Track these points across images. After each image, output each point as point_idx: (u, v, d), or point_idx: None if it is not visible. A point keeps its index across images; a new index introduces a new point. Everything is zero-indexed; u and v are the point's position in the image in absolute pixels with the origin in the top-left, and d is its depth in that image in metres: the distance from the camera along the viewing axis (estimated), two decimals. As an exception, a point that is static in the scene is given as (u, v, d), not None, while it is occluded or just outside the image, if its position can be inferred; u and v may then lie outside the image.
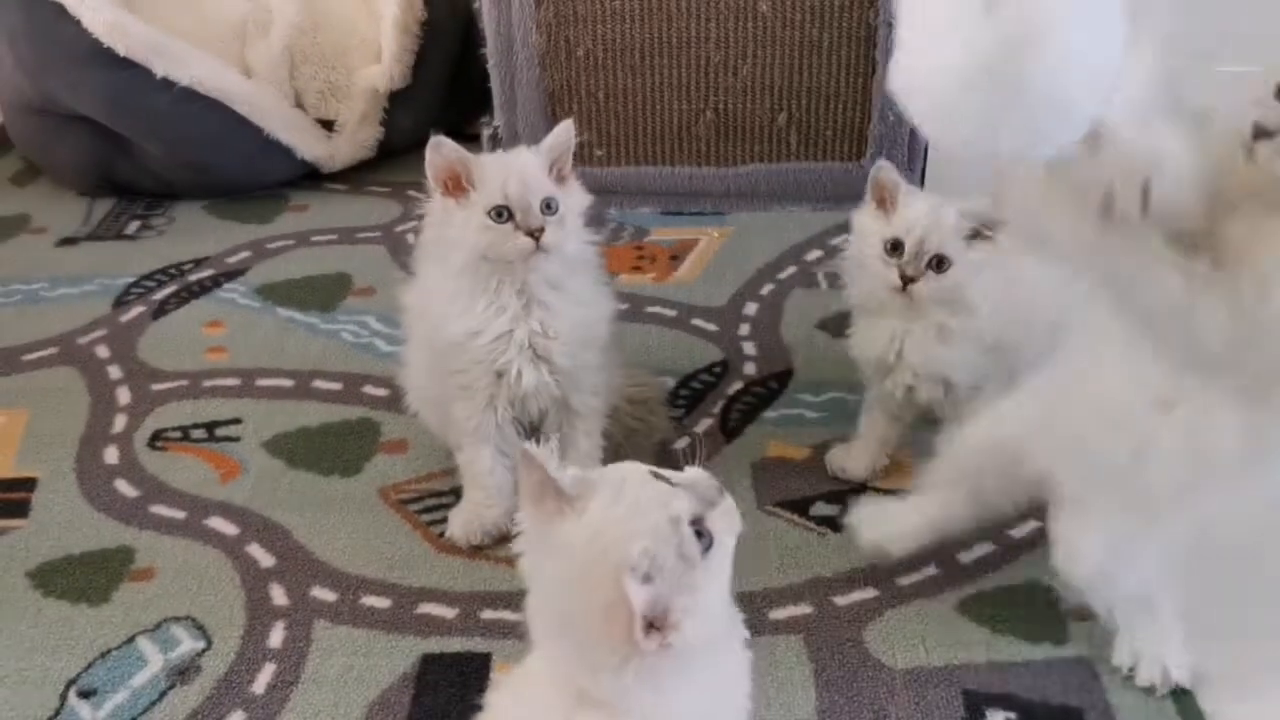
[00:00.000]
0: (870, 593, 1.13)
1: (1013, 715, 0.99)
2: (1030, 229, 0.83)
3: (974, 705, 1.00)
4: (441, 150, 1.09)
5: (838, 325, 1.25)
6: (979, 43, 0.67)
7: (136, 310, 1.68)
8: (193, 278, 1.76)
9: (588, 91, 1.84)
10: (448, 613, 1.13)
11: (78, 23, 1.83)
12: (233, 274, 1.77)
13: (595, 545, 0.65)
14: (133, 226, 1.94)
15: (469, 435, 1.19)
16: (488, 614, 1.12)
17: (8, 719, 1.03)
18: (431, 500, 1.28)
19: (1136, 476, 0.85)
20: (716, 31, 1.78)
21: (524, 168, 1.10)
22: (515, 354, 1.13)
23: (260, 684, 1.05)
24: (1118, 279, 0.78)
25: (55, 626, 1.13)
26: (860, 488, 1.27)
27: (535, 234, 1.08)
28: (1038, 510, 1.07)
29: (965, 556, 1.17)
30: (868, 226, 1.17)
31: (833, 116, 1.82)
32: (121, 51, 1.84)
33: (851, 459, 1.28)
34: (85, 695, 1.05)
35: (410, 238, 1.79)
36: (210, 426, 1.42)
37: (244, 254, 1.83)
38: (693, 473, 0.71)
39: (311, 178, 2.06)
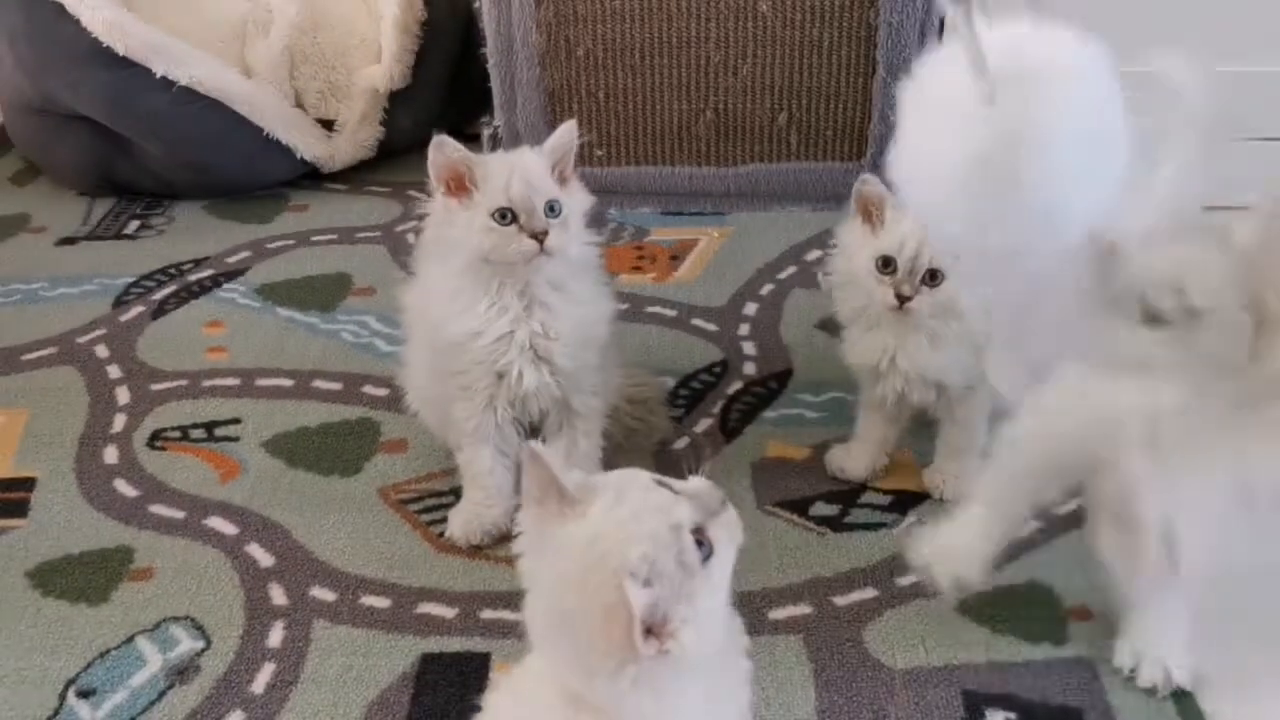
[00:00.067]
0: (870, 593, 1.13)
1: (1012, 715, 0.99)
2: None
3: (974, 705, 1.00)
4: (444, 150, 1.08)
5: (837, 326, 1.24)
6: (976, 138, 0.66)
7: (136, 310, 1.68)
8: (192, 277, 1.76)
9: (588, 91, 1.84)
10: (447, 612, 1.13)
11: (77, 22, 1.83)
12: (233, 274, 1.77)
13: (595, 548, 0.65)
14: (132, 226, 1.94)
15: (469, 435, 1.19)
16: (487, 614, 1.12)
17: (7, 718, 1.03)
18: (431, 500, 1.28)
19: None
20: (716, 31, 1.78)
21: (528, 169, 1.09)
22: (516, 355, 1.13)
23: (259, 684, 1.05)
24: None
25: (54, 626, 1.13)
26: (860, 488, 1.27)
27: (539, 237, 1.08)
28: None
29: (965, 556, 1.17)
30: (855, 243, 1.15)
31: (833, 116, 1.82)
32: (121, 51, 1.84)
33: (851, 459, 1.28)
34: (84, 695, 1.05)
35: (410, 238, 1.79)
36: (210, 426, 1.41)
37: (244, 254, 1.83)
38: (696, 482, 0.71)
39: (311, 178, 2.06)
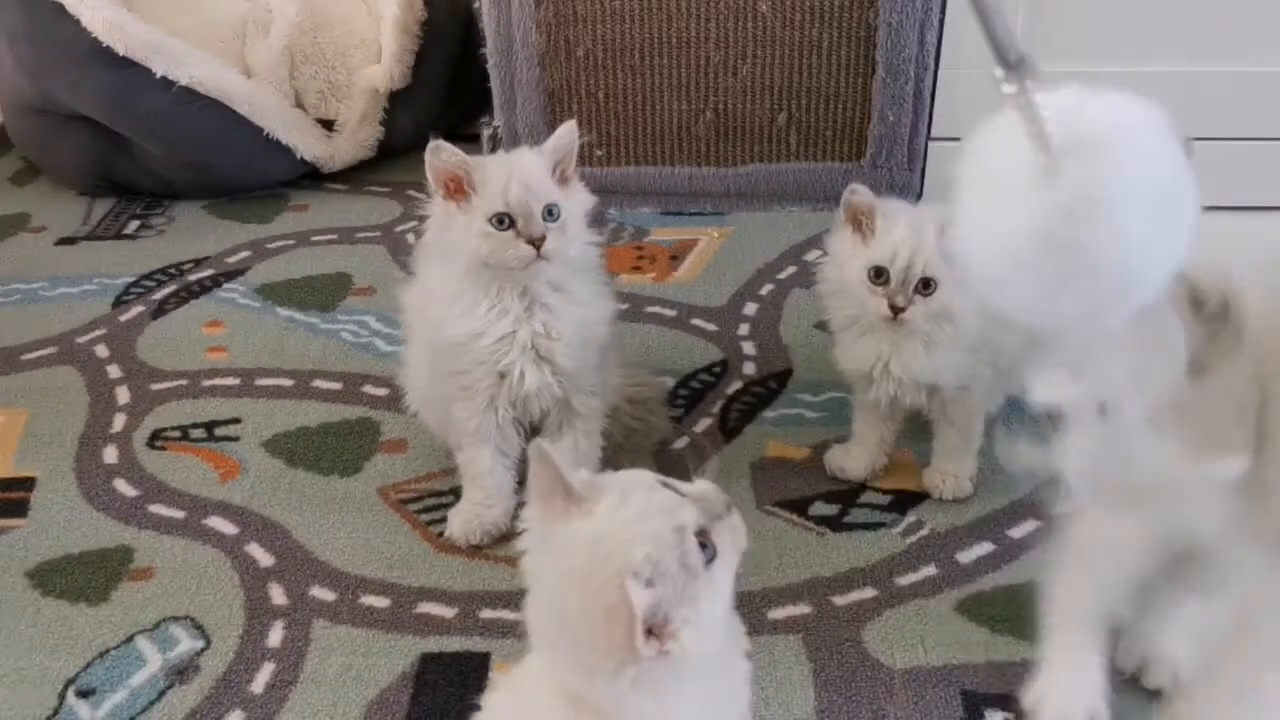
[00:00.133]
0: (869, 592, 1.13)
1: (1011, 716, 0.99)
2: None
3: (973, 705, 1.00)
4: (440, 154, 1.08)
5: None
6: (1041, 209, 0.65)
7: (136, 310, 1.68)
8: (192, 277, 1.76)
9: (587, 91, 1.84)
10: (447, 612, 1.13)
11: (77, 22, 1.83)
12: (233, 274, 1.77)
13: (599, 547, 0.65)
14: (132, 226, 1.94)
15: (469, 435, 1.19)
16: (487, 613, 1.12)
17: (6, 718, 1.03)
18: (431, 500, 1.28)
19: None
20: (716, 31, 1.78)
21: (526, 172, 1.09)
22: (518, 355, 1.13)
23: (259, 683, 1.05)
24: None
25: (54, 626, 1.13)
26: (860, 488, 1.27)
27: (536, 242, 1.08)
28: (1034, 510, 1.07)
29: (964, 556, 1.17)
30: (846, 252, 1.15)
31: (832, 116, 1.82)
32: (121, 51, 1.84)
33: (850, 459, 1.28)
34: (84, 695, 1.05)
35: (410, 238, 1.79)
36: (210, 426, 1.42)
37: (244, 254, 1.83)
38: (702, 484, 0.71)
39: (311, 177, 2.06)
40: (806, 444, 1.34)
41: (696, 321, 1.60)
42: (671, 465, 1.30)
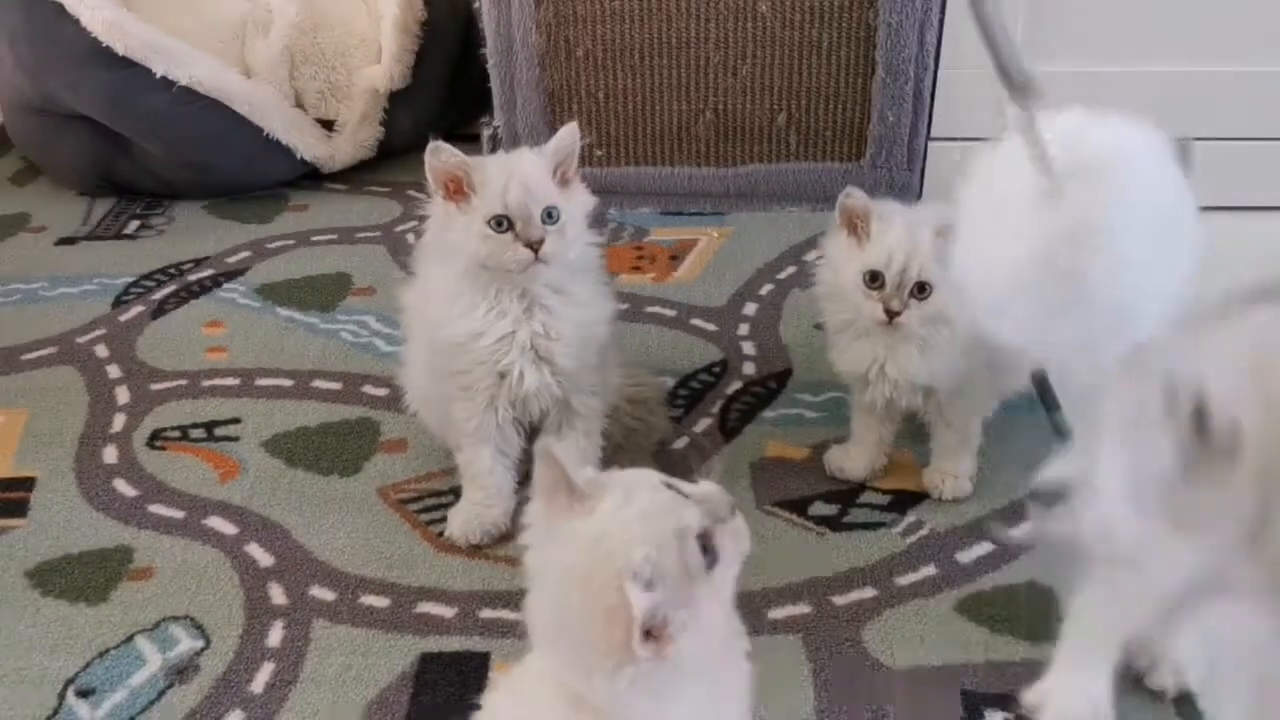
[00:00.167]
0: (869, 592, 1.13)
1: (1011, 716, 0.99)
2: None
3: (973, 705, 1.00)
4: (440, 156, 1.08)
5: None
6: (1041, 234, 0.64)
7: (136, 310, 1.68)
8: (192, 277, 1.76)
9: (587, 92, 1.84)
10: (446, 612, 1.13)
11: (77, 22, 1.83)
12: (232, 274, 1.77)
13: (601, 547, 0.65)
14: (132, 226, 1.94)
15: (469, 435, 1.19)
16: (486, 613, 1.12)
17: (6, 718, 1.03)
18: (431, 500, 1.28)
19: None
20: (716, 32, 1.78)
21: (526, 174, 1.08)
22: (518, 355, 1.13)
23: (259, 683, 1.05)
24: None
25: (53, 626, 1.13)
26: (859, 488, 1.27)
27: (535, 245, 1.07)
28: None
29: (964, 556, 1.17)
30: (841, 255, 1.14)
31: (832, 117, 1.82)
32: (120, 51, 1.84)
33: (850, 460, 1.28)
34: (83, 694, 1.05)
35: (410, 237, 1.79)
36: (209, 426, 1.42)
37: (244, 254, 1.83)
38: (706, 487, 0.71)
39: (311, 178, 2.06)
40: (806, 444, 1.34)
41: (696, 321, 1.60)
42: (672, 465, 1.30)
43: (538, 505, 0.69)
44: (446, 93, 2.14)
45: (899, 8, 1.70)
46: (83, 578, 1.18)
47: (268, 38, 2.04)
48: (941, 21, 1.71)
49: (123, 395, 1.48)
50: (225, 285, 1.73)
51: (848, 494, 1.26)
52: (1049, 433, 1.31)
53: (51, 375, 1.53)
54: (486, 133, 1.91)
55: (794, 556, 1.18)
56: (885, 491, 1.27)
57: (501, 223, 1.07)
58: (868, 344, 1.17)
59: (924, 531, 1.21)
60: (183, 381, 1.50)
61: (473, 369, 1.14)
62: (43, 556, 1.22)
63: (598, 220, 1.18)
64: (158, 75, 1.86)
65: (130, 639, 1.11)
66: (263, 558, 1.21)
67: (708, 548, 0.67)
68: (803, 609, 1.12)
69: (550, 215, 1.09)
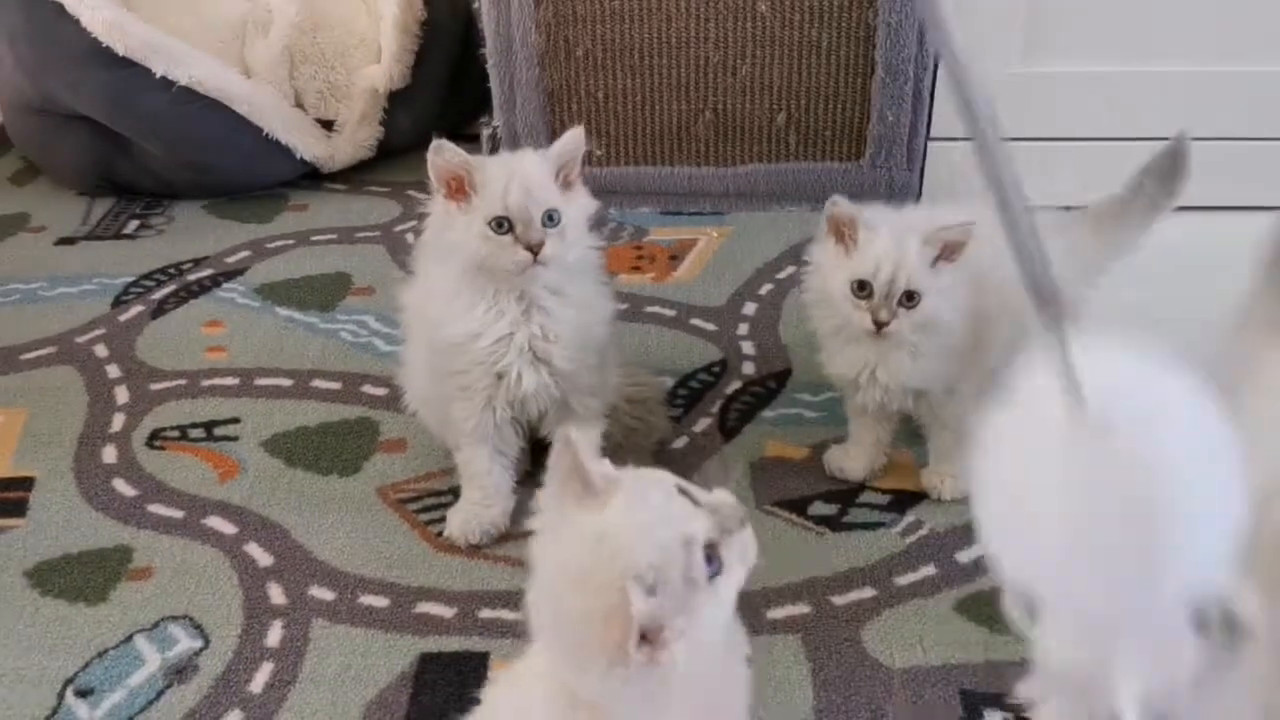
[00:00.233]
0: (868, 592, 1.13)
1: (1010, 715, 0.99)
2: None
3: (972, 705, 1.00)
4: (443, 154, 1.08)
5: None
6: (1078, 490, 0.59)
7: (135, 310, 1.68)
8: (192, 277, 1.76)
9: (587, 91, 1.84)
10: (446, 612, 1.13)
11: (76, 22, 1.83)
12: (232, 273, 1.77)
13: (605, 546, 0.64)
14: (132, 226, 1.94)
15: (467, 435, 1.19)
16: (486, 613, 1.12)
17: (5, 718, 1.03)
18: (430, 499, 1.28)
19: None
20: (715, 31, 1.78)
21: (528, 175, 1.08)
22: (515, 357, 1.13)
23: (258, 683, 1.05)
24: None
25: (52, 625, 1.13)
26: (859, 487, 1.27)
27: (534, 248, 1.07)
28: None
29: (963, 556, 1.17)
30: (829, 264, 1.14)
31: (832, 116, 1.82)
32: (120, 51, 1.84)
33: (850, 459, 1.28)
34: (82, 694, 1.05)
35: (409, 237, 1.79)
36: (209, 426, 1.41)
37: (243, 253, 1.83)
38: (720, 495, 0.70)
39: (311, 177, 2.06)
40: (806, 443, 1.34)
41: (696, 321, 1.59)
42: (672, 466, 1.29)
43: (550, 489, 0.69)
44: (446, 93, 2.14)
45: (899, 7, 1.70)
46: (82, 577, 1.18)
47: (267, 38, 2.04)
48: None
49: (122, 395, 1.48)
50: (225, 285, 1.73)
51: (847, 494, 1.26)
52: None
53: (51, 375, 1.53)
54: (486, 132, 1.91)
55: (793, 556, 1.18)
56: (885, 491, 1.27)
57: (502, 224, 1.07)
58: (858, 349, 1.17)
59: (923, 531, 1.21)
60: (182, 381, 1.50)
61: (471, 369, 1.14)
62: (42, 556, 1.22)
63: (598, 222, 1.18)
64: (158, 75, 1.86)
65: (129, 639, 1.11)
66: (262, 557, 1.20)
67: (712, 558, 0.66)
68: (802, 609, 1.12)
69: (551, 218, 1.08)
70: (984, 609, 1.10)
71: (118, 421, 1.43)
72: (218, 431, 1.40)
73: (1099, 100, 1.75)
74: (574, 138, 1.11)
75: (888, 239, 1.09)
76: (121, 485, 1.32)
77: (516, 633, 0.72)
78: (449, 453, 1.26)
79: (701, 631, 0.65)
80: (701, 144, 1.87)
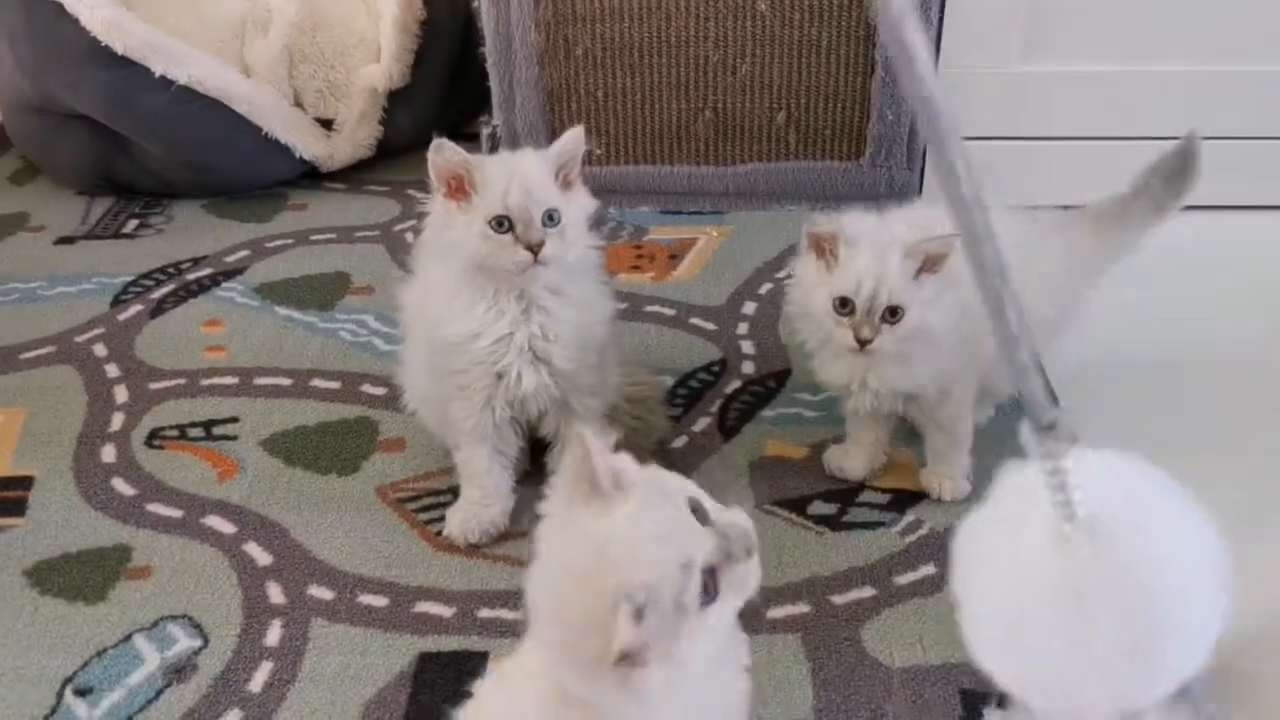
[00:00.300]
0: (868, 591, 1.13)
1: (1010, 715, 0.99)
2: None
3: (971, 704, 1.00)
4: (443, 153, 1.07)
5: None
6: (1059, 589, 0.61)
7: (134, 309, 1.68)
8: (191, 276, 1.76)
9: (586, 90, 1.84)
10: (445, 611, 1.13)
11: (76, 21, 1.83)
12: (231, 273, 1.77)
13: (605, 553, 0.64)
14: (131, 225, 1.94)
15: (466, 434, 1.19)
16: (485, 613, 1.12)
17: (5, 717, 1.03)
18: (429, 499, 1.28)
19: None
20: (715, 30, 1.78)
21: (528, 175, 1.08)
22: (515, 356, 1.13)
23: (257, 682, 1.05)
24: None
25: (52, 625, 1.13)
26: (858, 487, 1.27)
27: (534, 248, 1.07)
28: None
29: (963, 556, 1.17)
30: (811, 279, 1.12)
31: (832, 116, 1.82)
32: (120, 50, 1.84)
33: (849, 459, 1.28)
34: (81, 693, 1.05)
35: (409, 236, 1.79)
36: (208, 425, 1.41)
37: (242, 253, 1.83)
38: (736, 518, 0.69)
39: (310, 177, 2.06)
40: (805, 443, 1.34)
41: (695, 321, 1.59)
42: (672, 466, 1.29)
43: (560, 484, 0.68)
44: (446, 92, 2.14)
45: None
46: (81, 577, 1.18)
47: (267, 37, 2.04)
48: (940, 21, 1.71)
49: (121, 394, 1.48)
50: (224, 284, 1.73)
51: (847, 493, 1.26)
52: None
53: (50, 374, 1.53)
54: (485, 132, 1.91)
55: (793, 556, 1.18)
56: (884, 491, 1.27)
57: (502, 223, 1.07)
58: (846, 360, 1.16)
59: (923, 531, 1.21)
60: (181, 380, 1.50)
61: (470, 369, 1.14)
62: (41, 555, 1.22)
63: (598, 221, 1.18)
64: (157, 75, 1.86)
65: (128, 638, 1.11)
66: (261, 557, 1.20)
67: (709, 586, 0.65)
68: (802, 608, 1.12)
69: (551, 218, 1.08)
70: (984, 608, 1.10)
71: (117, 421, 1.43)
72: (217, 431, 1.40)
73: (1099, 100, 1.75)
74: (574, 137, 1.10)
75: (868, 255, 1.08)
76: (120, 484, 1.32)
77: (516, 632, 0.72)
78: (448, 452, 1.26)
79: (683, 656, 0.64)
80: (701, 143, 1.87)
